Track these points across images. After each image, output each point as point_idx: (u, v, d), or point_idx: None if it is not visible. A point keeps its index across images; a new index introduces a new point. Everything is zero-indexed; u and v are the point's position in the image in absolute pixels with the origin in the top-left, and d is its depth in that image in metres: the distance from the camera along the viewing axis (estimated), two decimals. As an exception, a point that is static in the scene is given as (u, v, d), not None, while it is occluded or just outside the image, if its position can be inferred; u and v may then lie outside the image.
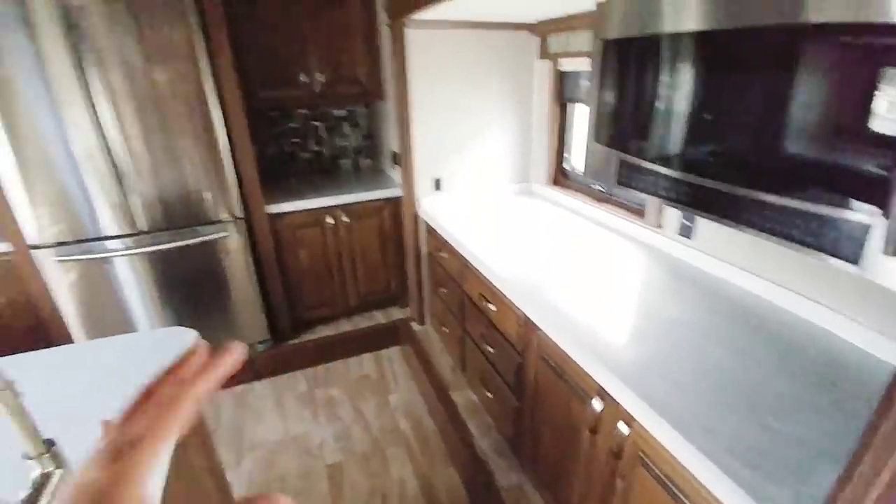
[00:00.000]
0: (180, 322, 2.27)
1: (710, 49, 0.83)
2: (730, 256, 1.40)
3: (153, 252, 2.13)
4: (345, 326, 2.76)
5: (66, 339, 2.17)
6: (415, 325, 2.71)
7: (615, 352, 1.09)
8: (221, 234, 2.22)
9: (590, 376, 1.09)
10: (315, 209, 2.44)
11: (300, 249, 2.51)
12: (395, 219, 2.63)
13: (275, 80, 2.37)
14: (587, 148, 1.18)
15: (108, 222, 2.04)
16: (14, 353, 1.15)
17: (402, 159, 2.36)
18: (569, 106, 2.28)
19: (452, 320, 2.16)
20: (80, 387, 1.06)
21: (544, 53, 2.23)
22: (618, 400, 1.00)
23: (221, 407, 2.32)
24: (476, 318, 1.83)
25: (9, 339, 2.08)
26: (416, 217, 2.45)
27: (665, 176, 0.98)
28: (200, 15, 1.94)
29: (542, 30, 2.17)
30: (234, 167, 2.19)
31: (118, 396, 0.96)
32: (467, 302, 1.90)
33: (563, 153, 2.36)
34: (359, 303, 2.78)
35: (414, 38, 2.08)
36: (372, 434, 2.12)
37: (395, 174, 2.64)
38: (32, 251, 1.99)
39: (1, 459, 0.78)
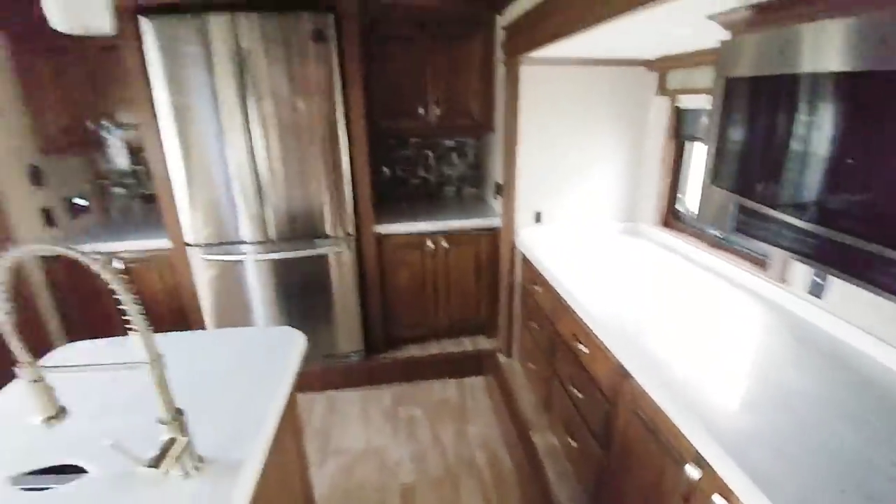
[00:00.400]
0: (289, 322, 2.51)
1: (856, 90, 0.73)
2: (867, 323, 1.19)
3: (277, 259, 2.41)
4: (433, 348, 2.82)
5: (199, 324, 2.53)
6: (501, 357, 2.68)
7: (720, 416, 0.97)
8: (334, 249, 2.44)
9: (687, 439, 0.99)
10: (418, 233, 2.57)
11: (401, 269, 2.65)
12: (492, 248, 2.66)
13: (396, 112, 2.59)
14: (702, 190, 1.10)
15: (246, 230, 2.37)
16: (161, 332, 1.38)
17: (504, 190, 2.40)
18: (686, 144, 2.14)
19: (541, 357, 2.10)
20: (208, 367, 1.23)
21: (662, 89, 2.14)
22: (717, 470, 0.89)
23: (314, 407, 2.50)
24: (566, 358, 1.75)
25: (159, 320, 2.48)
26: (513, 247, 2.46)
27: (794, 226, 0.88)
28: (340, 54, 2.21)
29: (661, 66, 2.09)
30: (352, 188, 2.41)
31: (236, 380, 1.10)
32: (558, 340, 1.84)
33: (676, 193, 2.21)
34: (449, 327, 2.83)
35: (527, 74, 2.13)
36: (447, 461, 2.11)
37: (497, 205, 2.69)
38: (187, 248, 2.37)
39: (138, 421, 0.94)
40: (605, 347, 1.38)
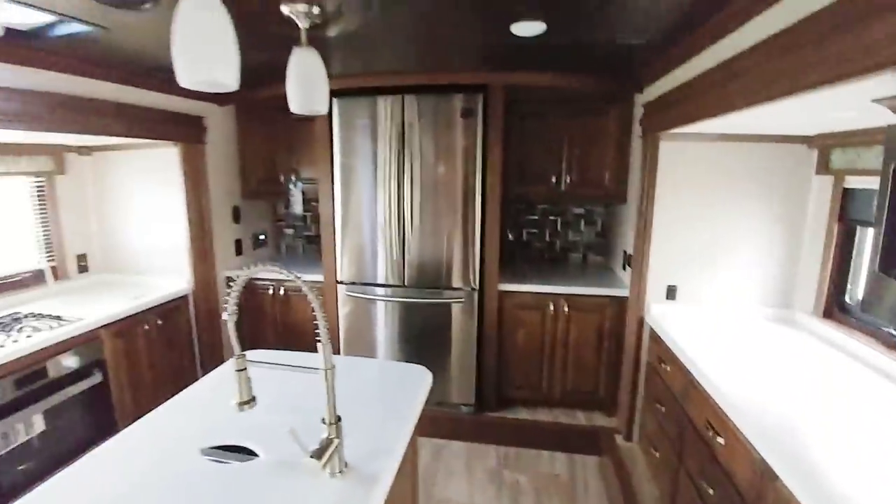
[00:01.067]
0: (408, 362, 2.69)
1: None
2: None
3: (406, 302, 2.65)
4: (543, 415, 2.74)
5: (335, 351, 2.84)
6: (619, 439, 2.49)
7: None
8: (458, 300, 2.61)
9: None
10: (540, 293, 2.61)
11: (519, 329, 2.69)
12: (617, 320, 2.57)
13: (528, 179, 2.76)
14: (868, 278, 1.00)
15: (383, 274, 2.67)
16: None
17: (635, 261, 2.35)
18: (859, 229, 1.90)
19: (666, 444, 1.92)
20: (350, 387, 1.41)
21: (824, 168, 1.96)
22: None
23: (420, 451, 2.56)
24: (697, 448, 1.60)
25: (306, 342, 2.85)
26: (641, 322, 2.35)
27: None
28: (483, 128, 2.48)
29: (822, 143, 1.94)
30: (481, 247, 2.59)
31: (373, 403, 1.25)
32: (688, 427, 1.68)
33: (844, 282, 1.94)
34: (562, 397, 2.74)
35: (666, 148, 2.14)
36: (551, 538, 1.99)
37: (624, 275, 2.62)
38: (338, 285, 2.75)
39: (299, 420, 1.12)
40: (746, 440, 1.25)
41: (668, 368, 1.94)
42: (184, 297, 2.71)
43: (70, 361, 2.02)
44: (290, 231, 3.56)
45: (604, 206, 3.11)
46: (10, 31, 1.61)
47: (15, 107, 1.80)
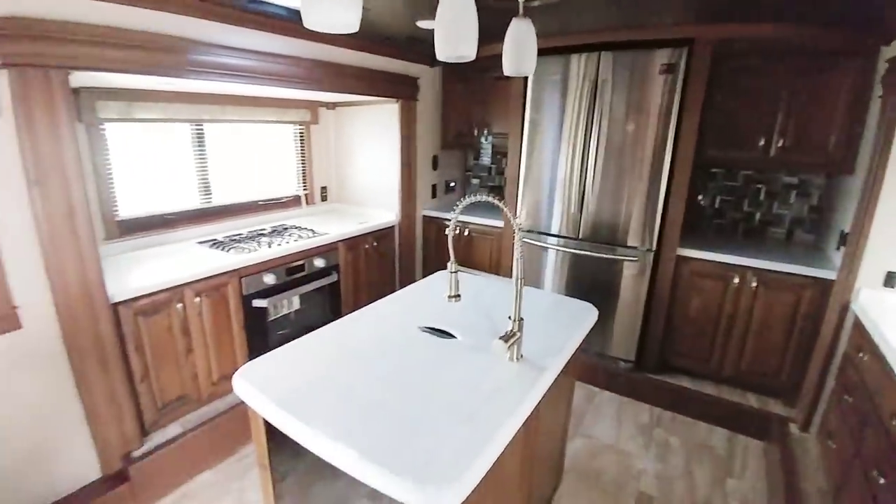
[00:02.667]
0: (573, 314, 2.87)
1: None
2: None
3: (578, 254, 2.80)
4: (707, 389, 2.66)
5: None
6: (793, 428, 2.30)
7: None
8: (632, 259, 2.65)
9: None
10: (725, 264, 2.47)
11: (694, 297, 2.61)
12: (815, 304, 2.30)
13: (728, 142, 2.55)
14: None
15: (558, 225, 2.84)
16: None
17: (850, 238, 2.05)
18: None
19: (846, 436, 1.75)
20: (526, 307, 1.67)
21: None
22: None
23: (575, 391, 2.77)
24: (877, 439, 1.45)
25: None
26: (846, 306, 2.08)
27: None
28: (683, 86, 2.37)
29: None
30: (664, 208, 2.54)
31: (546, 320, 1.52)
32: (872, 417, 1.53)
33: None
34: (734, 375, 2.60)
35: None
36: (695, 498, 2.04)
37: (836, 257, 2.29)
38: (517, 232, 3.04)
39: (486, 320, 1.44)
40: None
41: (866, 358, 1.72)
42: (392, 227, 3.35)
43: (318, 262, 2.76)
44: (475, 181, 3.97)
45: (825, 178, 2.68)
46: (289, 10, 2.17)
47: (294, 70, 2.44)
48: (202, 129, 2.72)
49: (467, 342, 1.43)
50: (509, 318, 1.28)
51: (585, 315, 1.64)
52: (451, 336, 1.48)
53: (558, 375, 1.34)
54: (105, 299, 1.80)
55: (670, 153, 2.47)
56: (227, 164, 2.91)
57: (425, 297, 1.81)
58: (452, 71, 3.43)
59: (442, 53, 1.24)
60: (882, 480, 1.36)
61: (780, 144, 2.43)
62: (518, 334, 1.27)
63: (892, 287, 1.95)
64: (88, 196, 1.70)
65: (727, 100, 2.51)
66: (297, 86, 2.45)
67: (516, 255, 1.24)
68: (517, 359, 1.30)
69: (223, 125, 2.83)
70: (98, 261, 1.75)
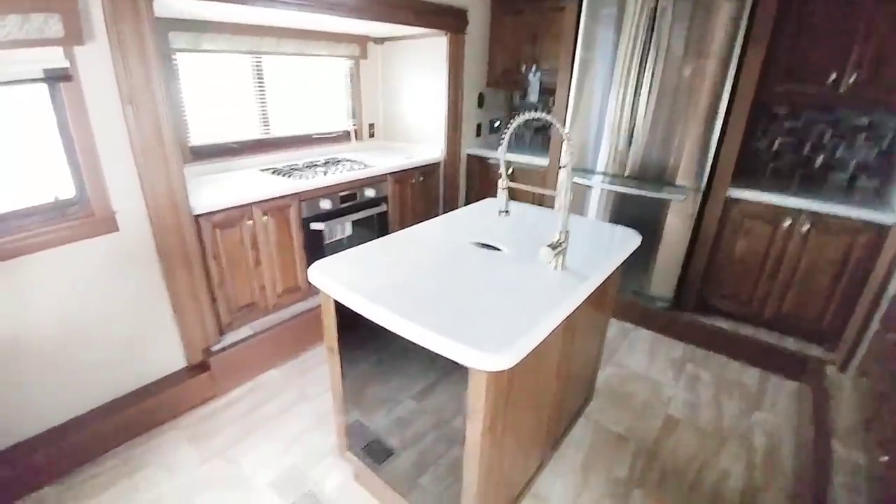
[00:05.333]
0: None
1: None
2: None
3: (623, 192, 2.80)
4: (745, 331, 2.70)
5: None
6: (831, 369, 2.32)
7: None
8: (679, 198, 2.63)
9: None
10: (777, 206, 2.43)
11: (740, 239, 2.59)
12: (869, 250, 2.25)
13: (797, 75, 2.42)
14: None
15: (604, 162, 2.83)
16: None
17: (919, 180, 1.97)
18: None
19: (886, 372, 1.79)
20: (576, 229, 1.75)
21: None
22: None
23: (608, 330, 2.88)
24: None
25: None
26: (902, 249, 2.03)
27: None
28: (751, 12, 2.24)
29: None
30: (718, 147, 2.49)
31: (592, 240, 1.60)
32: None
33: None
34: (775, 318, 2.61)
35: None
36: (721, 425, 2.14)
37: (901, 202, 2.21)
38: (560, 169, 3.06)
39: (533, 239, 1.53)
40: None
41: (920, 295, 1.72)
42: (437, 163, 3.43)
43: (370, 192, 2.91)
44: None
45: (901, 118, 2.51)
46: None
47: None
48: (261, 62, 2.84)
49: (514, 255, 1.54)
50: (557, 231, 1.37)
51: (629, 239, 1.71)
52: (498, 250, 1.60)
53: (596, 293, 1.43)
54: (188, 210, 2.02)
55: (730, 89, 2.38)
56: (284, 97, 3.04)
57: (473, 218, 1.92)
58: (501, 2, 3.33)
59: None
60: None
61: (853, 79, 2.29)
62: (564, 244, 1.36)
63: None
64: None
65: (798, 30, 2.35)
66: (350, 14, 2.47)
67: (564, 161, 1.31)
68: (561, 268, 1.40)
69: (280, 58, 2.94)
70: (183, 175, 1.96)
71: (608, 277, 1.52)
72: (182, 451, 1.91)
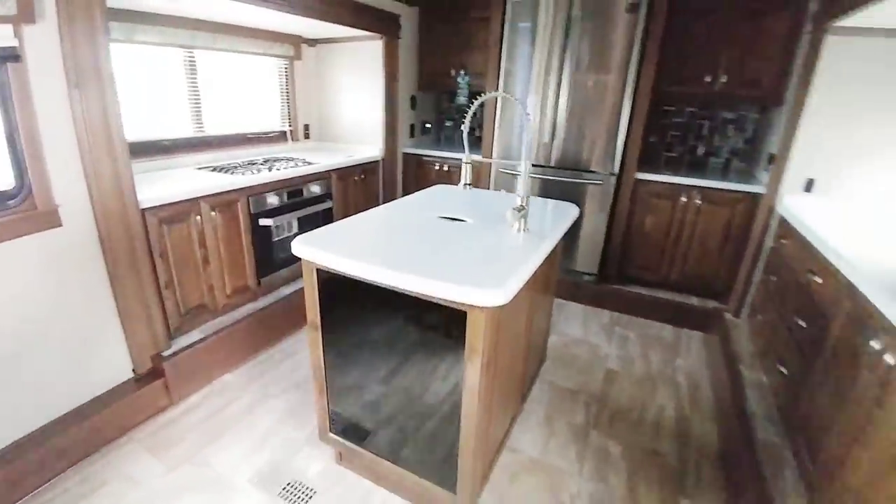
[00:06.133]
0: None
1: None
2: None
3: (549, 180, 3.13)
4: (658, 295, 3.14)
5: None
6: (728, 316, 2.81)
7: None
8: (597, 182, 3.01)
9: (889, 321, 1.19)
10: (675, 184, 2.90)
11: (648, 215, 3.03)
12: (746, 215, 2.77)
13: (682, 78, 2.92)
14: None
15: (529, 155, 3.15)
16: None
17: (779, 154, 2.49)
18: None
19: (770, 306, 2.24)
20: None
21: None
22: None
23: (548, 303, 3.17)
24: (797, 296, 1.92)
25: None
26: (771, 210, 2.55)
27: None
28: (645, 25, 2.68)
29: None
30: (625, 139, 2.90)
31: (543, 212, 1.84)
32: (793, 284, 1.99)
33: None
34: (680, 281, 3.08)
35: (831, 44, 2.19)
36: (651, 371, 2.50)
37: (763, 177, 2.75)
38: (491, 163, 3.32)
39: (491, 210, 1.72)
40: (836, 268, 1.56)
41: (786, 242, 2.19)
42: (377, 162, 3.54)
43: (314, 188, 2.94)
44: (449, 123, 4.18)
45: (758, 112, 3.13)
46: None
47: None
48: (194, 58, 2.76)
49: (480, 224, 1.71)
50: (518, 196, 1.57)
51: (569, 210, 1.97)
52: (464, 222, 1.76)
53: (547, 262, 1.65)
54: (136, 204, 1.92)
55: (632, 88, 2.80)
56: (218, 95, 2.97)
57: (431, 200, 2.07)
58: (430, 11, 3.56)
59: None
60: (802, 322, 1.80)
61: (723, 80, 2.83)
62: (526, 208, 1.57)
63: (811, 191, 2.43)
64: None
65: (682, 39, 2.85)
66: (292, 10, 2.51)
67: (526, 139, 1.52)
68: (524, 230, 1.60)
69: (214, 55, 2.87)
70: (130, 166, 1.86)
71: (553, 250, 1.74)
72: (144, 463, 1.79)
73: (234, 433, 1.96)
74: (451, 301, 1.21)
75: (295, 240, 1.46)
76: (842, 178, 2.36)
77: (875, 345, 1.23)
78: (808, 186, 2.42)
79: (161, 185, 2.23)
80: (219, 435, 1.95)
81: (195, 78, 2.79)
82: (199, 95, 2.83)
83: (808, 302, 1.78)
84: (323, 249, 1.40)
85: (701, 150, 3.35)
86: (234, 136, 3.10)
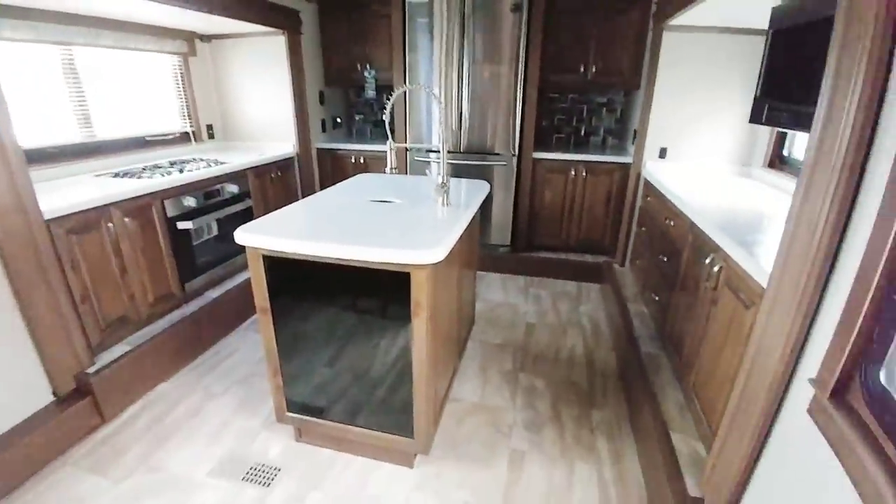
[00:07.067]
0: (460, 216, 3.53)
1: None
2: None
3: (459, 164, 3.42)
4: (561, 257, 3.61)
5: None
6: (616, 266, 3.35)
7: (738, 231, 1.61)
8: (502, 163, 3.37)
9: (715, 242, 1.64)
10: (564, 160, 3.36)
11: (546, 190, 3.47)
12: (622, 182, 3.32)
13: (561, 68, 3.37)
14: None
15: (438, 141, 3.40)
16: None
17: (639, 130, 3.04)
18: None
19: (643, 251, 2.77)
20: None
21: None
22: (727, 251, 1.54)
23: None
24: (659, 239, 2.42)
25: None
26: (638, 175, 3.10)
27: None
28: (528, 23, 3.06)
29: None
30: (521, 124, 3.29)
31: (461, 189, 2.14)
32: (656, 231, 2.50)
33: (783, 141, 2.62)
34: (577, 243, 3.58)
35: (668, 39, 2.74)
36: (560, 319, 2.92)
37: (632, 149, 3.31)
38: (406, 151, 3.53)
39: (413, 194, 1.94)
40: (685, 215, 2.03)
41: (650, 200, 2.72)
42: (291, 158, 3.56)
43: (232, 188, 2.91)
44: (359, 117, 4.30)
45: (623, 96, 3.71)
46: None
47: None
48: (72, 56, 2.57)
49: (408, 204, 1.92)
50: (440, 177, 1.81)
51: (482, 186, 2.26)
52: (393, 203, 1.96)
53: (469, 229, 1.92)
54: (39, 215, 1.81)
55: (522, 79, 3.18)
56: (108, 96, 2.79)
57: (357, 187, 2.23)
58: (329, 8, 3.64)
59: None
60: (665, 258, 2.29)
61: (593, 70, 3.33)
62: (447, 185, 1.81)
63: (664, 158, 3.00)
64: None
65: (559, 35, 3.29)
66: (188, 5, 2.47)
67: (441, 129, 1.75)
68: (447, 204, 1.85)
69: (98, 52, 2.69)
70: (28, 175, 1.76)
71: (473, 219, 2.01)
72: (88, 482, 1.73)
73: (183, 435, 1.97)
74: (395, 264, 1.41)
75: (238, 229, 1.55)
76: (682, 144, 2.96)
77: (707, 261, 1.67)
78: (662, 154, 2.99)
79: (59, 194, 2.10)
80: (166, 440, 1.95)
81: (77, 77, 2.60)
82: (84, 97, 2.65)
83: (667, 242, 2.27)
84: (269, 235, 1.51)
85: (583, 131, 3.87)
86: (130, 139, 2.94)
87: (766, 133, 2.72)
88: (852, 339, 0.82)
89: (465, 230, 1.78)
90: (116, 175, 2.54)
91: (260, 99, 3.53)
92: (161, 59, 3.15)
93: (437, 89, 3.28)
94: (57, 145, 2.52)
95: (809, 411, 0.94)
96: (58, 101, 2.54)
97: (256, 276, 1.62)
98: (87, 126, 2.69)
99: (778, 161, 2.65)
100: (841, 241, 0.92)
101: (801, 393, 0.99)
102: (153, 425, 2.03)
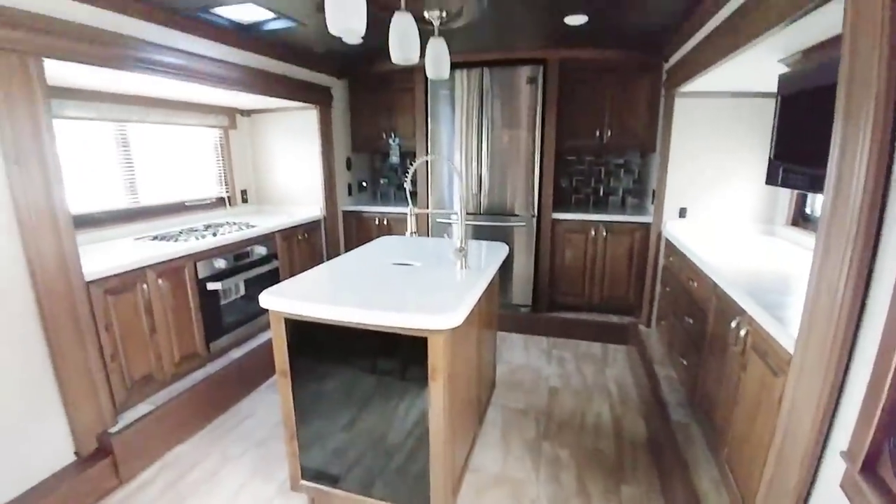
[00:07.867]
0: (481, 276, 3.55)
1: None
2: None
3: (480, 225, 3.50)
4: (584, 317, 3.54)
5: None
6: (642, 327, 3.25)
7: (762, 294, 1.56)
8: (521, 224, 3.43)
9: (739, 305, 1.59)
10: (585, 220, 3.39)
11: (567, 249, 3.48)
12: (643, 241, 3.30)
13: (577, 134, 3.49)
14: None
15: (459, 204, 3.51)
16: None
17: (657, 192, 3.07)
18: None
19: (668, 310, 2.69)
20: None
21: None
22: (752, 315, 1.49)
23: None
24: (682, 298, 2.36)
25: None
26: (659, 235, 3.08)
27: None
28: (543, 93, 3.23)
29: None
30: (539, 186, 3.38)
31: (480, 253, 2.20)
32: (680, 290, 2.44)
33: (805, 200, 2.59)
34: (600, 302, 3.52)
35: (680, 104, 2.83)
36: (586, 384, 2.81)
37: (652, 209, 3.32)
38: (429, 214, 3.64)
39: (440, 258, 1.99)
40: (707, 276, 1.99)
41: (672, 259, 2.68)
42: (318, 221, 3.72)
43: (260, 250, 3.04)
44: (384, 181, 4.50)
45: (640, 157, 3.78)
46: (233, 23, 2.53)
47: (235, 75, 2.76)
48: (125, 130, 2.83)
49: (428, 266, 1.97)
50: (459, 242, 1.86)
51: (500, 248, 2.30)
52: (413, 266, 2.01)
53: (488, 292, 1.94)
54: (81, 277, 1.93)
55: (539, 144, 3.31)
56: (153, 165, 3.03)
57: (380, 250, 2.30)
58: (358, 83, 3.95)
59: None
60: (690, 320, 2.22)
61: (609, 134, 3.44)
62: (465, 249, 1.85)
63: (684, 217, 2.99)
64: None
65: (573, 104, 3.44)
66: (234, 87, 2.74)
67: (460, 195, 1.82)
68: (465, 267, 1.88)
69: (148, 127, 2.97)
70: (74, 240, 1.89)
71: (492, 282, 2.02)
72: (105, 544, 1.72)
73: (198, 498, 1.94)
74: (413, 329, 1.43)
75: (262, 293, 1.61)
76: (702, 203, 2.96)
77: (733, 324, 1.62)
78: (682, 213, 2.99)
79: (101, 256, 2.24)
80: (183, 502, 1.92)
81: (128, 149, 2.86)
82: (132, 167, 2.89)
83: (692, 303, 2.21)
84: (292, 298, 1.56)
85: (601, 191, 3.93)
86: (171, 204, 3.15)
87: (787, 191, 2.71)
88: (880, 408, 0.77)
89: (484, 292, 1.79)
90: (155, 238, 2.70)
91: (291, 165, 3.76)
92: (204, 132, 3.44)
93: (457, 154, 3.43)
94: (104, 210, 2.73)
95: (842, 486, 0.87)
96: (109, 171, 2.77)
97: (278, 338, 1.65)
98: (133, 193, 2.91)
99: (801, 219, 2.61)
100: (863, 305, 0.89)
101: (834, 467, 0.92)
102: (170, 488, 2.01)
